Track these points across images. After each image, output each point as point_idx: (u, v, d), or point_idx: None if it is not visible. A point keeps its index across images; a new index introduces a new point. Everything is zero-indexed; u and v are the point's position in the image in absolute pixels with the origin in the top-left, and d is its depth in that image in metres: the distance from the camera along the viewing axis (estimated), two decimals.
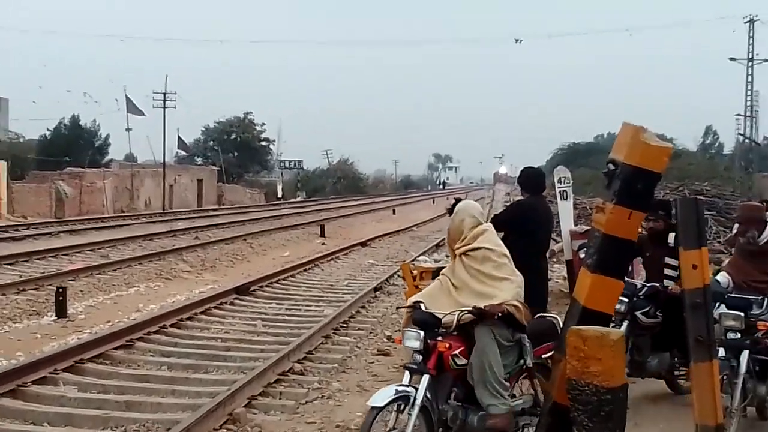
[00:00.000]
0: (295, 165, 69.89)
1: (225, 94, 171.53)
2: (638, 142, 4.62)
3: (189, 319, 9.97)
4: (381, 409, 4.29)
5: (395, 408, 4.34)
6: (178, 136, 50.60)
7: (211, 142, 64.69)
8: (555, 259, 13.01)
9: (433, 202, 51.89)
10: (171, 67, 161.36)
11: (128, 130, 45.16)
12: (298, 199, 57.26)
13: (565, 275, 10.44)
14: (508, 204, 13.44)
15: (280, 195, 57.60)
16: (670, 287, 6.28)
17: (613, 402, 4.18)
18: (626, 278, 5.52)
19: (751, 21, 47.75)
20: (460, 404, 4.61)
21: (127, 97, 42.94)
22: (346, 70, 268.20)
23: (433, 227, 28.77)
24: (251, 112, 67.20)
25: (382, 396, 4.32)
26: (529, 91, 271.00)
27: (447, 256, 7.95)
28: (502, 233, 7.05)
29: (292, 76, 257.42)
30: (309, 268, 15.78)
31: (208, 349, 8.42)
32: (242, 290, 12.07)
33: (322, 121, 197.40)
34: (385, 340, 9.19)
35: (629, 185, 4.64)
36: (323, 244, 22.15)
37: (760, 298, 5.77)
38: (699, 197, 10.33)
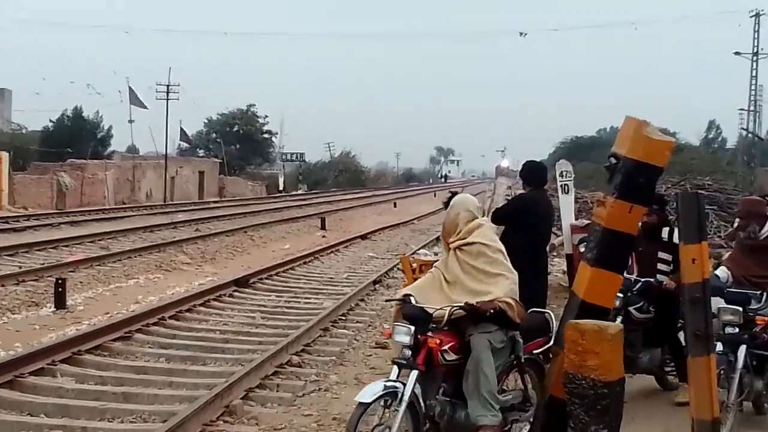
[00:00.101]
0: (297, 157, 69.77)
1: (228, 87, 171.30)
2: (641, 135, 4.60)
3: (188, 311, 9.97)
4: (368, 405, 4.26)
5: (382, 403, 4.30)
6: (181, 128, 50.43)
7: (214, 134, 64.47)
8: (555, 253, 12.99)
9: (435, 196, 51.81)
10: (174, 59, 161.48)
11: (131, 121, 44.92)
12: (300, 192, 57.17)
13: (565, 269, 10.43)
14: (509, 197, 13.41)
15: (281, 187, 57.47)
16: (663, 282, 6.24)
17: (609, 396, 4.18)
18: None
19: (757, 15, 47.88)
20: (448, 399, 4.56)
21: (130, 89, 42.68)
22: (347, 69, 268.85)
23: (433, 220, 28.69)
24: (254, 105, 66.96)
25: (370, 392, 4.29)
26: (530, 91, 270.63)
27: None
28: (503, 227, 7.06)
29: (295, 70, 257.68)
30: (309, 261, 15.78)
31: (206, 341, 8.42)
32: (242, 282, 12.05)
33: (325, 116, 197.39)
34: (384, 333, 9.19)
35: (631, 179, 4.63)
36: (324, 236, 22.15)
37: (759, 292, 5.75)
38: (700, 191, 10.29)
